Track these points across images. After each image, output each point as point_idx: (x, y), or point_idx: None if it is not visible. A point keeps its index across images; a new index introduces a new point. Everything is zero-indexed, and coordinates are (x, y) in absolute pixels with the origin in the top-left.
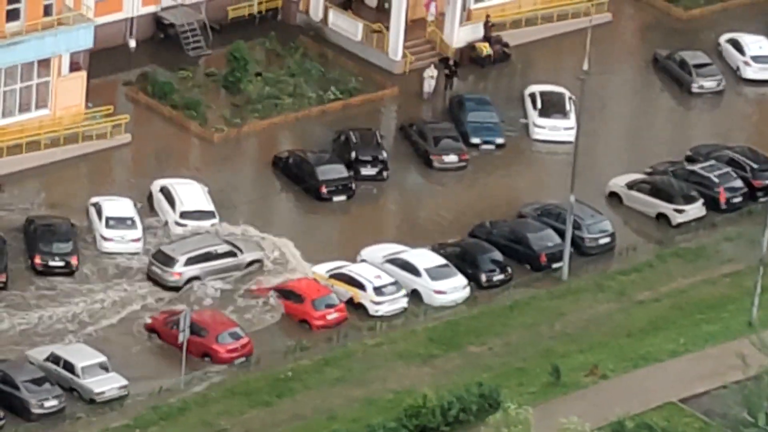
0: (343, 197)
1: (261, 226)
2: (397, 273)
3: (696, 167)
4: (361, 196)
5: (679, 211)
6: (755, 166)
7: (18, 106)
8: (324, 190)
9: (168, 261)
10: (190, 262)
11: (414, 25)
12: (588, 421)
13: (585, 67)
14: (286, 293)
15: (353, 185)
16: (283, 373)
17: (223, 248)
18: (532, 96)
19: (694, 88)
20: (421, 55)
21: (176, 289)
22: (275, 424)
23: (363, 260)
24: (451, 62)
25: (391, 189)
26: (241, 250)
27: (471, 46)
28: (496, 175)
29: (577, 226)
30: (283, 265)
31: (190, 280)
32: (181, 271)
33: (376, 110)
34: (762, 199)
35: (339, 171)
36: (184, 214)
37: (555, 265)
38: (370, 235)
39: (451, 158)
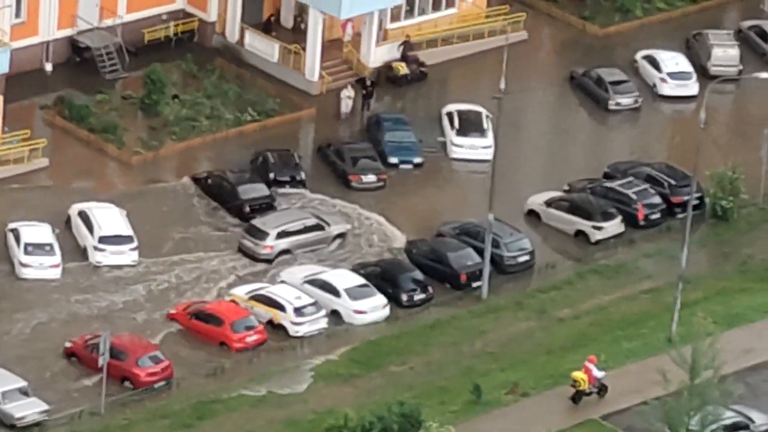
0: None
1: (185, 247)
2: (316, 293)
3: (614, 184)
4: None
5: (598, 228)
6: (673, 182)
7: None
8: (247, 208)
9: (260, 234)
10: (281, 235)
11: (331, 46)
12: None
13: (502, 85)
14: (204, 316)
15: (275, 204)
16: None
17: (312, 222)
18: (450, 115)
19: (611, 105)
20: (338, 76)
21: (268, 261)
22: None
23: (282, 281)
24: (367, 82)
25: (309, 210)
26: (328, 224)
27: (388, 66)
28: (415, 195)
29: (496, 245)
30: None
31: (281, 253)
32: (272, 244)
33: (293, 131)
34: (680, 215)
35: (260, 190)
36: (102, 239)
37: (475, 284)
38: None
39: (369, 178)
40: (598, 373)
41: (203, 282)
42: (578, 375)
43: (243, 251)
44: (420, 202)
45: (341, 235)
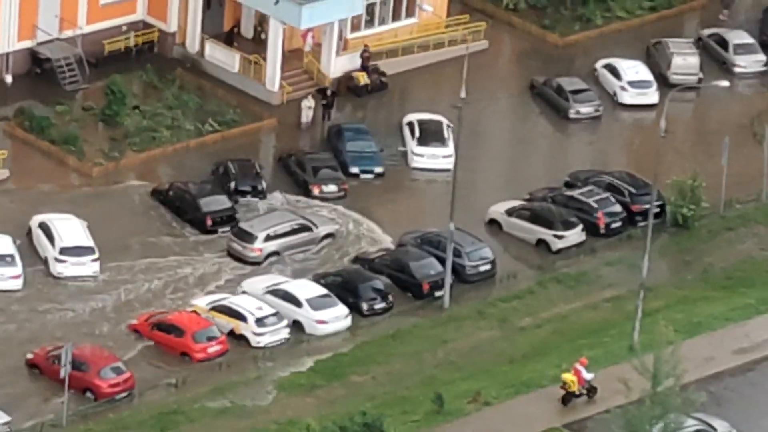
0: (227, 228)
1: (146, 259)
2: (278, 304)
3: (575, 193)
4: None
5: (559, 237)
6: (634, 190)
7: None
8: (209, 221)
9: (248, 237)
10: (269, 238)
11: (291, 56)
12: None
13: (462, 94)
14: (166, 327)
15: (237, 216)
16: None
17: (299, 223)
18: (410, 125)
19: (572, 114)
20: (298, 86)
21: (257, 264)
22: None
23: (244, 292)
24: (328, 92)
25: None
26: (315, 225)
27: (348, 76)
28: (376, 204)
29: (457, 254)
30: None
31: (269, 255)
32: (261, 246)
33: (254, 141)
34: (641, 224)
35: (222, 202)
36: (63, 251)
37: (436, 293)
38: (251, 266)
39: (331, 188)
40: (587, 375)
41: (167, 292)
42: (568, 377)
43: (232, 254)
44: (381, 211)
45: (329, 236)
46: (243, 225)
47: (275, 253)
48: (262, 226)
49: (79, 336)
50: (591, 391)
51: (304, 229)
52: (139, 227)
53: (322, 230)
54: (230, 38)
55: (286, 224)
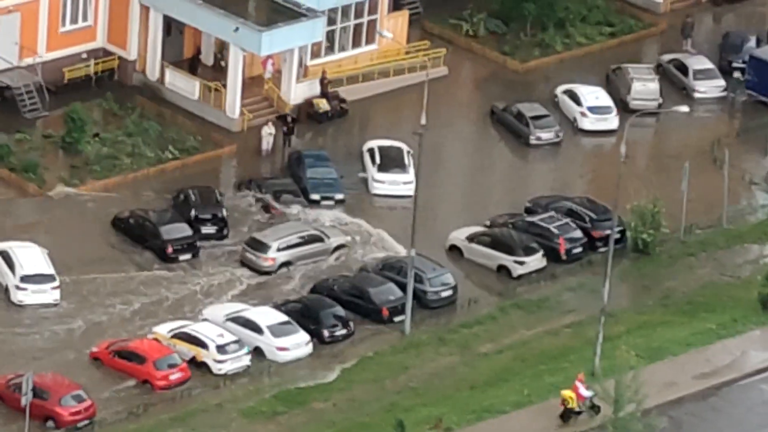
0: (188, 256)
1: (107, 286)
2: (239, 331)
3: (535, 219)
4: (204, 254)
5: (520, 263)
6: (594, 216)
7: None
8: (170, 249)
9: (261, 247)
10: (282, 248)
11: (251, 83)
12: None
13: (422, 121)
14: (127, 354)
15: (198, 243)
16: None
17: (312, 234)
18: (371, 151)
19: (532, 140)
20: (259, 113)
21: (270, 273)
22: None
23: (205, 319)
24: (288, 119)
25: (234, 246)
26: (327, 236)
27: (309, 103)
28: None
29: (418, 280)
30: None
31: (282, 265)
32: (274, 256)
33: (214, 168)
34: (601, 249)
35: (183, 230)
36: (24, 278)
37: (397, 319)
38: (215, 293)
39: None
40: (585, 392)
41: (128, 320)
42: (567, 393)
43: (245, 264)
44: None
45: (341, 247)
46: (256, 235)
47: (288, 263)
48: (275, 236)
49: (40, 364)
50: (594, 408)
51: (316, 239)
52: (100, 254)
53: (334, 241)
54: (194, 65)
55: (298, 235)
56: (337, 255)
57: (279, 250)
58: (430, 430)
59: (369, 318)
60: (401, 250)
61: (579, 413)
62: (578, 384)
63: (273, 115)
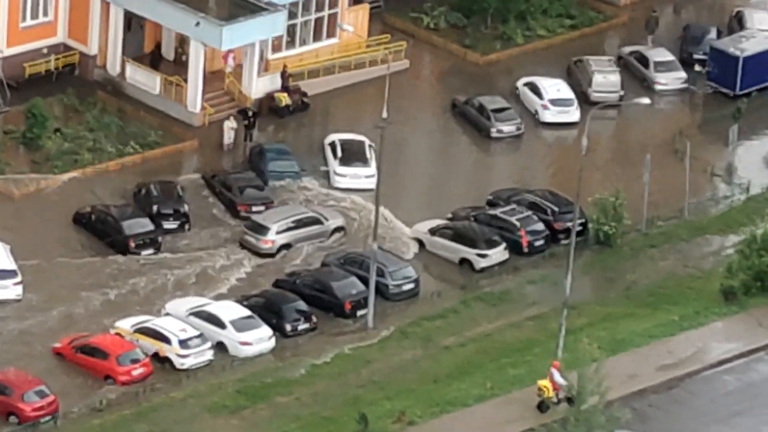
0: (150, 251)
1: (69, 281)
2: (202, 326)
3: (497, 211)
4: (166, 248)
5: (482, 256)
6: (556, 209)
7: None
8: (132, 244)
9: (261, 230)
10: (282, 230)
11: (212, 77)
12: None
13: (384, 114)
14: (89, 350)
15: (160, 238)
16: None
17: (310, 216)
18: (332, 145)
19: (493, 133)
20: (220, 107)
21: (270, 255)
22: None
23: (167, 314)
24: (249, 113)
25: (195, 241)
26: (326, 218)
27: (270, 97)
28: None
29: (380, 273)
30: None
31: (281, 247)
32: (273, 239)
33: (176, 163)
34: (564, 242)
35: (144, 224)
36: None
37: (360, 313)
38: (177, 287)
39: (258, 208)
40: (560, 380)
41: (92, 315)
42: (542, 383)
43: (245, 246)
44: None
45: (339, 229)
46: (256, 217)
47: (287, 245)
48: (275, 218)
49: (3, 360)
50: (571, 400)
51: (315, 222)
52: (62, 249)
53: (332, 223)
54: (155, 60)
55: (297, 217)
56: (336, 237)
57: (278, 232)
58: (394, 423)
59: (332, 312)
60: (406, 231)
61: (557, 403)
62: (553, 371)
63: (234, 109)
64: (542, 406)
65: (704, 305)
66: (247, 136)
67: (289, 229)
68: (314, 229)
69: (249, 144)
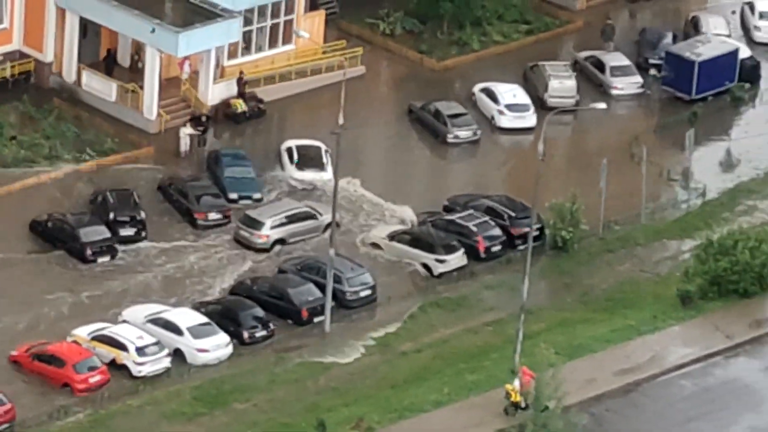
0: (107, 258)
1: (26, 289)
2: (159, 333)
3: (454, 217)
4: (124, 256)
5: (440, 261)
6: (513, 214)
7: None
8: (88, 251)
9: (255, 224)
10: (276, 225)
11: (168, 84)
12: None
13: (340, 120)
14: (47, 358)
15: (116, 246)
16: None
17: (304, 211)
18: (289, 150)
19: (450, 138)
20: (176, 114)
21: (264, 250)
22: None
23: (124, 321)
24: (203, 118)
25: (152, 248)
26: (320, 213)
27: (226, 103)
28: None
29: (337, 280)
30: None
31: (276, 242)
32: (268, 233)
33: (132, 170)
34: (521, 247)
35: (101, 232)
36: None
37: (317, 320)
38: (134, 295)
39: (215, 215)
40: (516, 384)
41: (50, 323)
42: (509, 387)
43: (239, 241)
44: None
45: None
46: (250, 212)
47: (281, 240)
48: (269, 213)
49: None
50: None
51: (309, 216)
52: (19, 257)
53: (327, 218)
54: (109, 66)
55: (292, 212)
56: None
57: (273, 227)
58: (352, 429)
59: (289, 319)
60: (412, 217)
61: (525, 408)
62: (521, 376)
63: (190, 116)
64: (508, 410)
65: (661, 310)
66: (200, 142)
67: (283, 223)
68: (308, 223)
69: (202, 149)
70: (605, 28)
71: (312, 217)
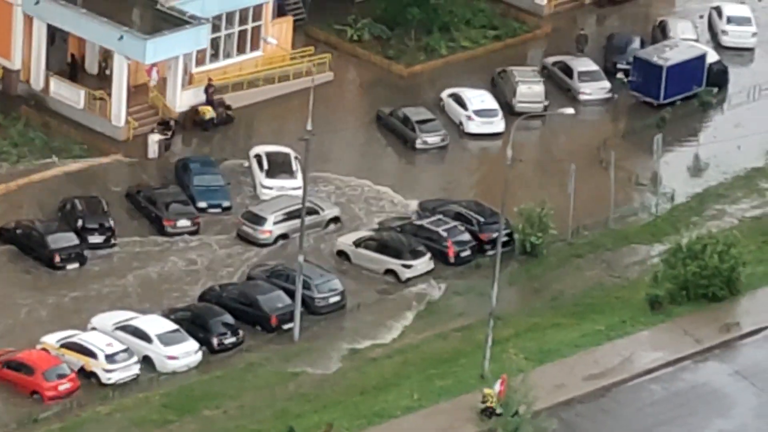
0: (75, 265)
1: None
2: (128, 340)
3: (423, 222)
4: (93, 263)
5: (407, 267)
6: (482, 219)
7: None
8: (57, 258)
9: (258, 220)
10: (279, 220)
11: (136, 91)
12: None
13: (309, 126)
14: (15, 365)
15: (85, 252)
16: None
17: (307, 207)
18: (258, 157)
19: (418, 144)
20: (144, 121)
21: (267, 245)
22: None
23: (93, 328)
24: (170, 123)
25: (121, 256)
26: (322, 209)
27: (194, 110)
28: (227, 238)
29: (306, 286)
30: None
31: (279, 237)
32: (271, 229)
33: (101, 177)
34: (490, 252)
35: (69, 239)
36: None
37: (286, 326)
38: (103, 302)
39: (184, 223)
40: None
41: (19, 330)
42: (488, 391)
43: (242, 237)
44: (232, 245)
45: (335, 219)
46: (253, 208)
47: (284, 236)
48: (272, 209)
49: None
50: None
51: (311, 212)
52: None
53: (329, 213)
54: (74, 70)
55: (294, 207)
56: (332, 227)
57: (275, 222)
58: None
59: (258, 326)
60: (413, 206)
61: (499, 415)
62: (505, 377)
63: (157, 121)
64: (485, 412)
65: (630, 315)
66: (166, 147)
67: (286, 219)
68: (311, 219)
69: (169, 154)
70: (579, 38)
71: (314, 212)
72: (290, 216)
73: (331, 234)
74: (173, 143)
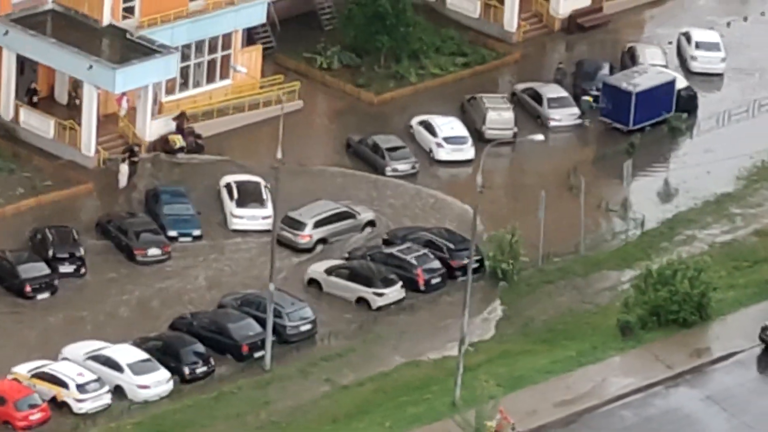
0: (46, 294)
1: None
2: (99, 369)
3: (393, 250)
4: (64, 293)
5: (379, 295)
6: (452, 246)
7: None
8: (28, 288)
9: (298, 225)
10: (318, 224)
11: (106, 120)
12: None
13: (279, 155)
14: None
15: (56, 282)
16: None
17: (343, 211)
18: (228, 186)
19: (388, 172)
20: (114, 150)
21: (307, 250)
22: None
23: (65, 358)
24: (136, 149)
25: (92, 285)
26: (358, 213)
27: (164, 139)
28: (198, 267)
29: (277, 314)
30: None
31: (318, 242)
32: (310, 233)
33: (71, 206)
34: (460, 279)
35: (40, 269)
36: None
37: (257, 354)
38: (74, 332)
39: (154, 251)
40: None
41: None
42: (489, 424)
43: (282, 242)
44: (203, 274)
45: (371, 223)
46: (291, 213)
47: (323, 240)
48: (310, 213)
49: None
50: None
51: (348, 216)
52: None
53: (364, 217)
54: (31, 96)
55: (332, 212)
56: (367, 231)
57: (315, 227)
58: None
59: (229, 354)
60: (469, 210)
61: None
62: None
63: (127, 152)
64: None
65: (601, 340)
66: (131, 174)
67: (324, 222)
68: (347, 223)
69: (134, 180)
70: (557, 72)
71: (351, 216)
72: (327, 220)
73: (367, 237)
74: (138, 170)
